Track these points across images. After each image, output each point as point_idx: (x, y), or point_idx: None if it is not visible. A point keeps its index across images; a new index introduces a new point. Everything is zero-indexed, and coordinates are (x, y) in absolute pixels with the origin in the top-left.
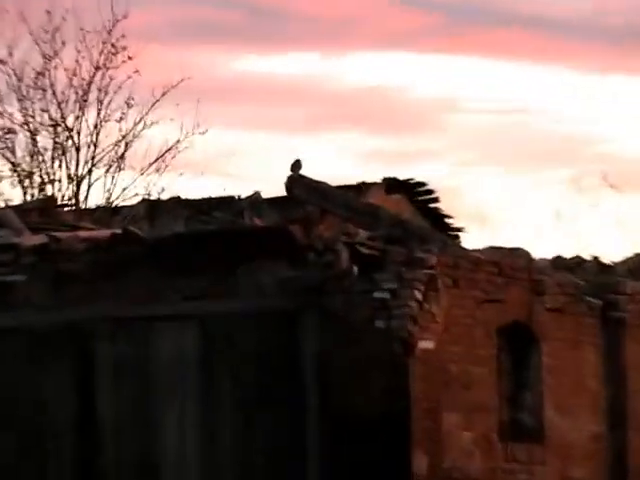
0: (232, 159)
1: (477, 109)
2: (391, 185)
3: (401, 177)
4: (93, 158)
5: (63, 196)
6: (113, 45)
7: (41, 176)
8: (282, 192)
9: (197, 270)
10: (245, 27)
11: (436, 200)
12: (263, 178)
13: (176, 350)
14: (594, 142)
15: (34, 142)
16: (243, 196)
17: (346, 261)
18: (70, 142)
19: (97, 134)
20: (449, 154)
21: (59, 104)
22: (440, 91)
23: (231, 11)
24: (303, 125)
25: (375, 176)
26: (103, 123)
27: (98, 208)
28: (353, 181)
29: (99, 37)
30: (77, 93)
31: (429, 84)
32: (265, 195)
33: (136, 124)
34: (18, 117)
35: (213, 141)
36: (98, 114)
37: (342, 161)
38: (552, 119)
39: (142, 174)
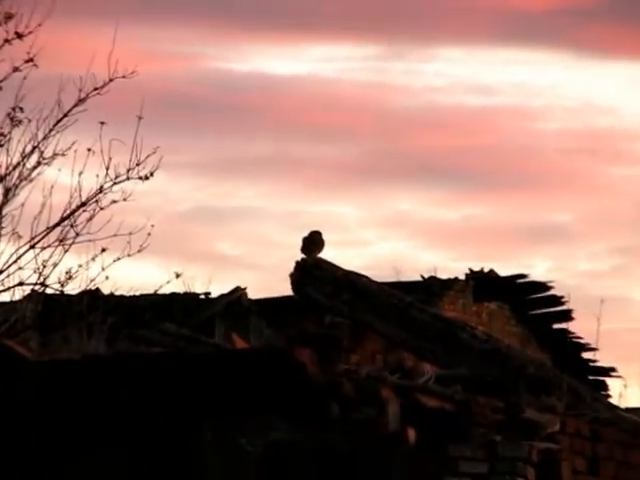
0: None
1: None
2: (483, 285)
3: (502, 271)
4: None
5: None
6: None
7: None
8: (284, 289)
9: (120, 430)
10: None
11: (566, 316)
12: (255, 263)
13: None
14: None
15: None
16: (214, 294)
17: (396, 419)
18: None
19: None
20: (590, 232)
21: None
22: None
23: None
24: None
25: (453, 267)
26: None
27: None
28: (413, 274)
29: None
30: None
31: None
32: (254, 294)
33: (26, 156)
34: None
35: (167, 191)
36: None
37: (394, 231)
38: None
39: (32, 247)
